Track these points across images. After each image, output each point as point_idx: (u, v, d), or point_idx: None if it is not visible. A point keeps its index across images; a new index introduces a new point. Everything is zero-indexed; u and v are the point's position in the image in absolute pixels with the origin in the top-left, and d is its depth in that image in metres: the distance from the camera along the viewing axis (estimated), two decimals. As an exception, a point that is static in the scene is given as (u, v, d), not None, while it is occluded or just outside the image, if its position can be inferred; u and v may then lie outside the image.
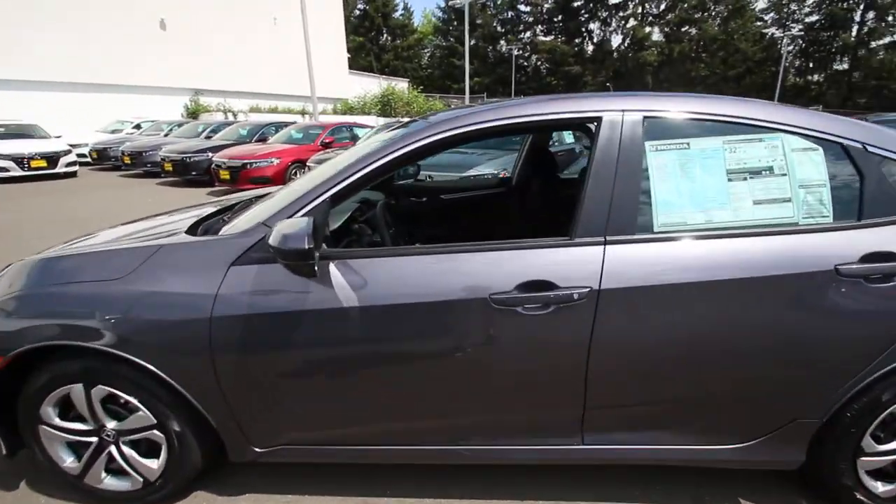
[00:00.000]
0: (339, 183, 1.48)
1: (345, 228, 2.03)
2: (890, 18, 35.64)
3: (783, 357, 1.42)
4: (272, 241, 1.30)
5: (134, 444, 1.66)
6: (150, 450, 1.65)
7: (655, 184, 1.43)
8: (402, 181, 3.23)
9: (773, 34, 41.37)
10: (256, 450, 1.60)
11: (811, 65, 40.86)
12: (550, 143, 3.62)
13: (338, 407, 1.54)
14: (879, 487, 1.59)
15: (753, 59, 40.59)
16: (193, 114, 19.20)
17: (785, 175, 1.45)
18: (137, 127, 15.58)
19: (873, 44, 37.12)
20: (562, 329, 1.40)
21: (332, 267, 1.44)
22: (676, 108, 1.49)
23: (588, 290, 1.37)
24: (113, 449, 1.65)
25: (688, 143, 1.46)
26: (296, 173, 8.87)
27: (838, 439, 1.52)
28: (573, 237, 1.42)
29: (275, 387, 1.50)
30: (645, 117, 1.47)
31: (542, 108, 1.52)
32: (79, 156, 11.96)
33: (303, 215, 1.44)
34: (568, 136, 8.20)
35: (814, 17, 39.01)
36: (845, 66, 38.80)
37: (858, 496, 1.58)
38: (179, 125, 14.20)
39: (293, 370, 1.48)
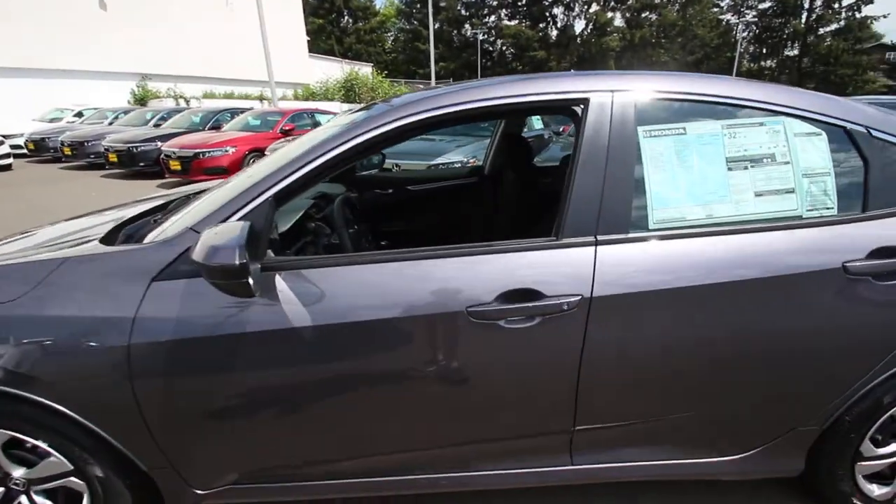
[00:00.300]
0: (284, 178, 1.24)
1: (299, 228, 1.79)
2: (836, 6, 37.18)
3: (786, 364, 1.30)
4: (196, 255, 1.05)
5: (50, 494, 1.39)
6: (70, 499, 1.39)
7: (650, 175, 1.27)
8: (365, 172, 2.99)
9: (728, 20, 42.55)
10: (198, 492, 1.37)
11: (764, 51, 42.26)
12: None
13: (292, 440, 1.32)
14: (875, 491, 1.51)
15: (711, 45, 41.66)
16: (141, 100, 18.01)
17: (788, 163, 1.31)
18: (79, 115, 14.49)
19: (821, 30, 38.70)
20: (549, 343, 1.23)
21: (279, 279, 1.21)
22: (671, 87, 1.32)
23: (578, 298, 1.19)
24: (24, 500, 1.38)
25: (684, 128, 1.30)
26: (253, 162, 8.39)
27: (837, 445, 1.42)
28: (559, 237, 1.24)
29: (214, 421, 1.27)
30: (637, 98, 1.29)
31: (522, 89, 1.32)
32: (13, 147, 11.02)
33: (239, 219, 1.20)
34: (537, 122, 8.07)
35: (766, 4, 40.29)
36: (796, 52, 40.34)
37: (855, 501, 1.50)
38: (126, 112, 13.28)
39: (235, 402, 1.25)
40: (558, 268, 1.22)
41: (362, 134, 1.27)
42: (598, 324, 1.21)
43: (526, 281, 1.20)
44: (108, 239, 1.45)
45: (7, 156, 10.28)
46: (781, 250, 1.26)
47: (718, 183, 1.29)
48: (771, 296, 1.24)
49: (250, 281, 1.05)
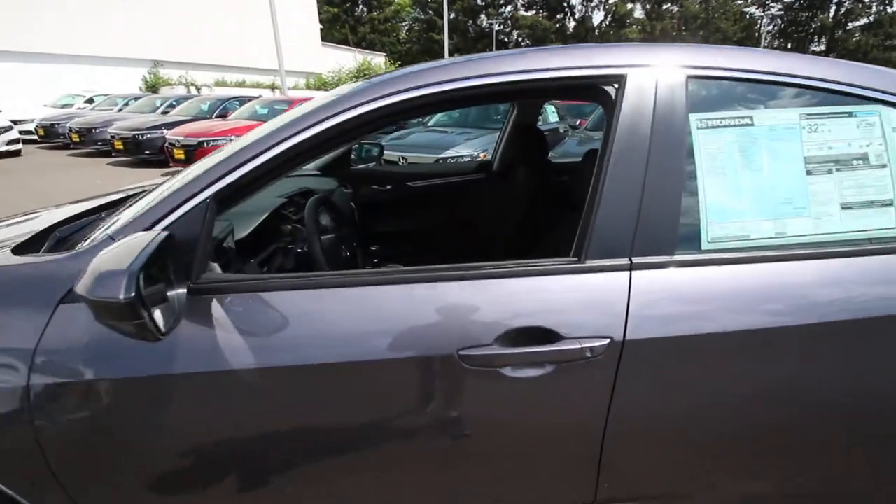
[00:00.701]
0: (227, 174, 0.96)
1: (273, 230, 1.52)
2: (866, 0, 35.77)
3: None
4: (79, 286, 0.76)
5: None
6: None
7: (705, 178, 0.96)
8: (361, 165, 2.71)
9: (752, 14, 41.19)
10: None
11: (789, 45, 40.84)
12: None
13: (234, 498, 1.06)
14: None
15: (733, 39, 40.36)
16: (153, 87, 17.90)
17: (885, 166, 1.00)
18: (90, 101, 14.40)
19: (850, 25, 37.29)
20: (566, 399, 0.94)
21: (216, 306, 0.93)
22: (734, 63, 1.01)
23: (607, 342, 0.90)
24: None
25: (750, 118, 0.99)
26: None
27: None
28: (582, 258, 0.95)
29: (141, 476, 1.00)
30: (689, 77, 0.99)
31: (538, 62, 1.01)
32: (23, 133, 10.97)
33: (165, 227, 0.92)
34: (552, 115, 7.71)
35: (793, -3, 38.91)
36: (823, 46, 38.95)
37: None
38: (136, 99, 13.14)
39: (162, 456, 0.99)
40: (580, 300, 0.92)
41: (331, 118, 0.98)
42: (632, 376, 0.92)
43: (537, 317, 0.91)
44: (28, 245, 1.19)
45: (16, 141, 10.22)
46: (878, 280, 0.95)
47: (794, 191, 0.98)
48: (866, 343, 0.94)
49: (154, 319, 0.77)
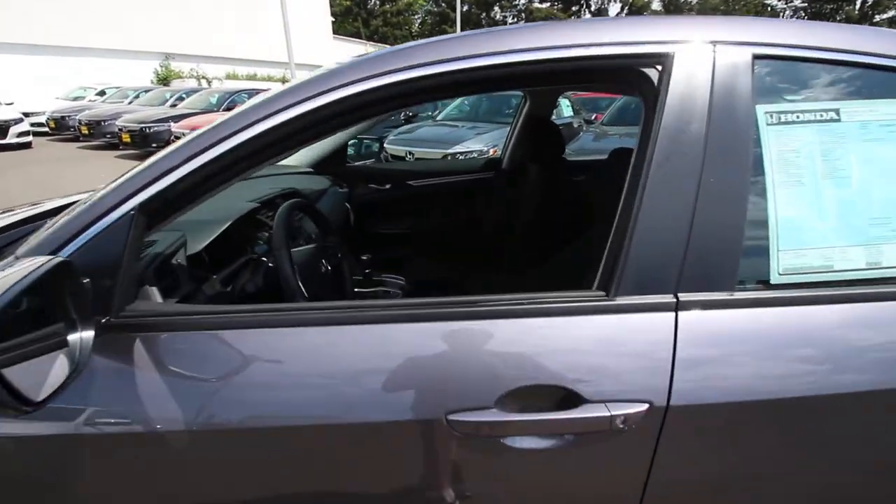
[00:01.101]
0: (156, 181, 0.75)
1: (246, 240, 1.31)
2: (895, -9, 34.48)
3: None
4: None
5: None
6: None
7: (776, 189, 0.73)
8: (359, 162, 2.50)
9: (775, 5, 40.04)
10: None
11: (813, 38, 39.58)
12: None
13: None
14: None
15: (754, 32, 39.27)
16: (164, 80, 17.87)
17: None
18: (101, 93, 14.39)
19: (877, 17, 36.01)
20: (588, 477, 0.73)
21: (139, 347, 0.73)
22: (816, 40, 0.77)
23: (645, 408, 0.68)
24: None
25: (836, 111, 0.76)
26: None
27: None
28: (612, 292, 0.72)
29: None
30: (757, 57, 0.75)
31: (559, 37, 0.78)
32: (35, 125, 10.99)
33: (76, 248, 0.72)
34: (566, 108, 7.42)
35: (818, -12, 37.67)
36: (847, 40, 37.64)
37: None
38: (146, 91, 13.09)
39: None
40: (609, 350, 0.70)
41: (294, 106, 0.76)
42: (679, 449, 0.70)
43: (550, 372, 0.69)
44: None
45: (26, 133, 10.23)
46: None
47: (894, 208, 0.74)
48: None
49: (9, 386, 0.56)
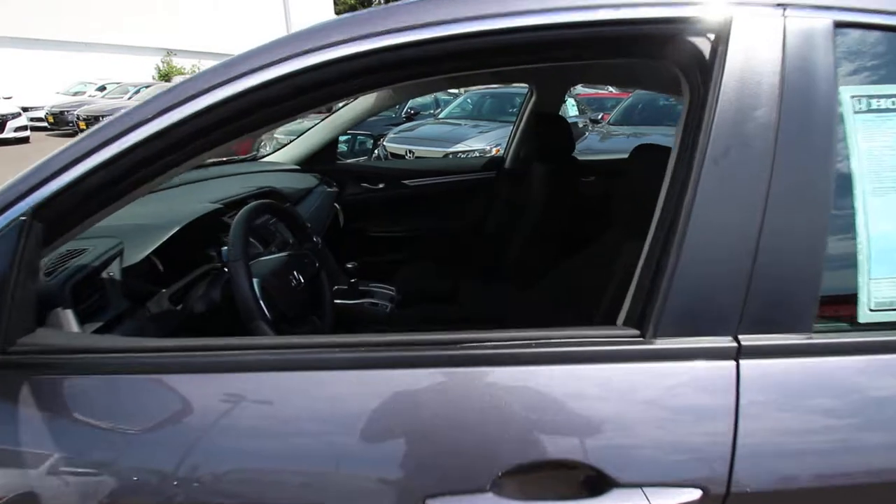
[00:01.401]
0: (54, 176, 0.58)
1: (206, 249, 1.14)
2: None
3: None
4: None
5: None
6: None
7: (866, 200, 0.56)
8: (351, 159, 2.33)
9: None
10: None
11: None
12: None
13: None
14: None
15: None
16: (166, 76, 17.79)
17: None
18: (102, 89, 14.31)
19: None
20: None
21: (27, 392, 0.55)
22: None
23: (698, 496, 0.50)
24: None
25: (944, 96, 0.58)
26: (264, 143, 7.83)
27: None
28: (649, 331, 0.54)
29: None
30: (839, 24, 0.57)
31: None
32: (34, 120, 10.92)
33: None
34: (571, 108, 7.23)
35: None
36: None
37: None
38: (146, 87, 12.99)
39: None
40: (647, 412, 0.53)
41: (211, 91, 0.59)
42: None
43: (567, 444, 0.52)
44: None
45: (24, 128, 10.17)
46: None
47: None
48: None
49: None
